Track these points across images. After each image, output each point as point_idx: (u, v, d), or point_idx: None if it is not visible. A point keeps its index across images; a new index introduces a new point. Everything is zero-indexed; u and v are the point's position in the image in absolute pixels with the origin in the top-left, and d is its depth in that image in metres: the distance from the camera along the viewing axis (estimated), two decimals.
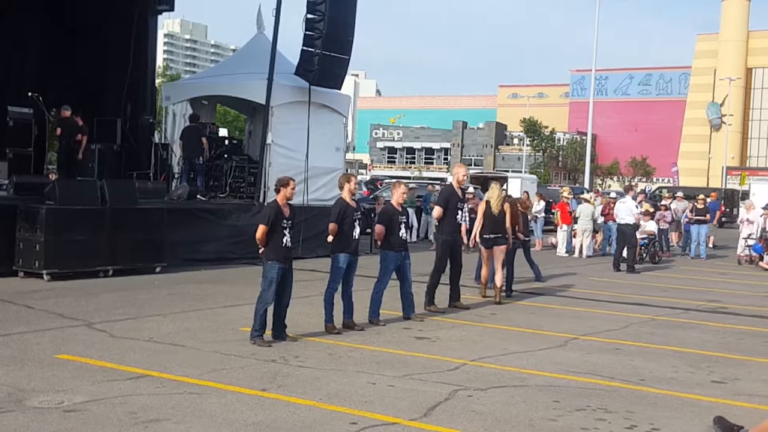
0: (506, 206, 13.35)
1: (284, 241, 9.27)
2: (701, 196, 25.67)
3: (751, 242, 22.88)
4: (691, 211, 24.83)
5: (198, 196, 18.43)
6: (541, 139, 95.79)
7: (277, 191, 9.44)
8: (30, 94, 17.49)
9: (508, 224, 13.38)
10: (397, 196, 10.99)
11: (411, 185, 25.61)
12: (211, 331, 9.81)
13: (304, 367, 8.21)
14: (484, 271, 13.77)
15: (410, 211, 22.50)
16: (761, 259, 21.96)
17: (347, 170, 21.69)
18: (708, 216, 24.63)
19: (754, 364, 9.38)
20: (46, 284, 13.04)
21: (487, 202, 13.30)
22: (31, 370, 7.61)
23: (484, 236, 13.21)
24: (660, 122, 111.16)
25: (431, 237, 22.11)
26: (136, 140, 20.23)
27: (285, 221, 9.28)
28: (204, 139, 19.56)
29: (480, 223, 13.22)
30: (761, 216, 22.80)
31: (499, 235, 13.19)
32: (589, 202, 23.54)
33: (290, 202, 9.54)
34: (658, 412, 7.13)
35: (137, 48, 20.86)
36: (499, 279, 13.24)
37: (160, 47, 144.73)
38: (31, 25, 20.28)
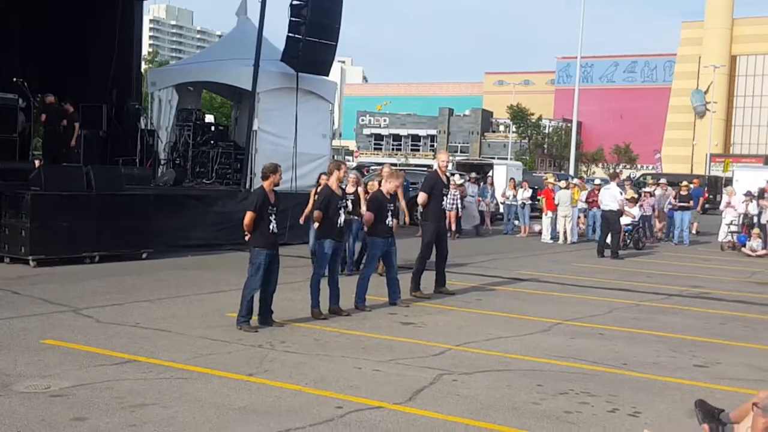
0: (360, 191, 14.41)
1: (271, 227, 9.30)
2: (684, 183, 25.82)
3: (733, 228, 23.06)
4: (674, 198, 24.98)
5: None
6: (527, 126, 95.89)
7: (266, 177, 9.43)
8: (15, 79, 17.42)
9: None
10: (389, 185, 11.08)
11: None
12: (198, 317, 9.84)
13: (290, 352, 8.26)
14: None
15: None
16: (744, 245, 22.14)
17: (334, 157, 21.63)
18: (691, 202, 24.79)
19: (736, 349, 9.50)
20: (32, 270, 13.02)
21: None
22: (17, 355, 7.63)
23: None
24: (645, 109, 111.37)
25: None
26: (122, 126, 20.18)
27: (271, 207, 9.31)
28: None
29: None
30: (743, 202, 22.98)
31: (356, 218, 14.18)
32: (566, 188, 23.37)
33: (277, 188, 9.57)
34: (641, 396, 7.22)
35: (122, 33, 20.75)
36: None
37: (146, 33, 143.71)
38: (15, 11, 20.15)
